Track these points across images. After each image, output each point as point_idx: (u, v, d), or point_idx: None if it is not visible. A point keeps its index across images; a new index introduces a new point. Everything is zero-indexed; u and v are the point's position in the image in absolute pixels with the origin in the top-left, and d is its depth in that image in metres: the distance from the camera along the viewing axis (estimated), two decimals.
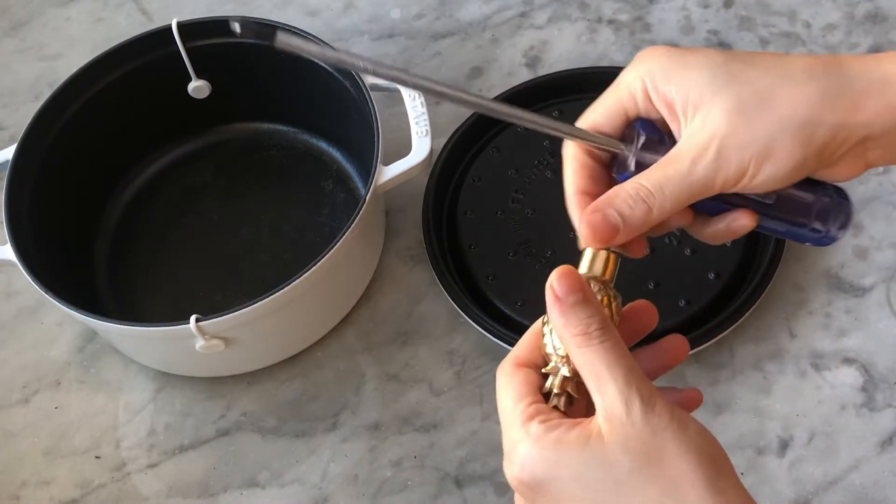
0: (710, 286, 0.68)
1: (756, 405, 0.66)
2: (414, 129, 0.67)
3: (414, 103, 0.68)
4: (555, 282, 0.40)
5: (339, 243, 0.62)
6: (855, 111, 0.39)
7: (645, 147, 0.42)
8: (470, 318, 0.68)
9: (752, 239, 0.70)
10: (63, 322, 0.73)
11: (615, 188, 0.42)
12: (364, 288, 0.72)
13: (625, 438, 0.38)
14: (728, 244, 0.69)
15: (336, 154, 0.78)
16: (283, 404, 0.69)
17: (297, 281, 0.61)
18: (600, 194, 0.42)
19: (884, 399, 0.65)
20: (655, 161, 0.41)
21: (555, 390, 0.41)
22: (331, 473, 0.66)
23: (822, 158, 0.40)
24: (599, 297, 0.41)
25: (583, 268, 0.43)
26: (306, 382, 0.70)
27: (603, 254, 0.43)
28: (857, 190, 0.73)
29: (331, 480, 0.65)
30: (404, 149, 0.66)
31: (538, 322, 0.43)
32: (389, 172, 0.66)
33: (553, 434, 0.39)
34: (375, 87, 0.69)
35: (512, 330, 0.67)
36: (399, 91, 0.69)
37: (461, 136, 0.75)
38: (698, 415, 0.66)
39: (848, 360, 0.67)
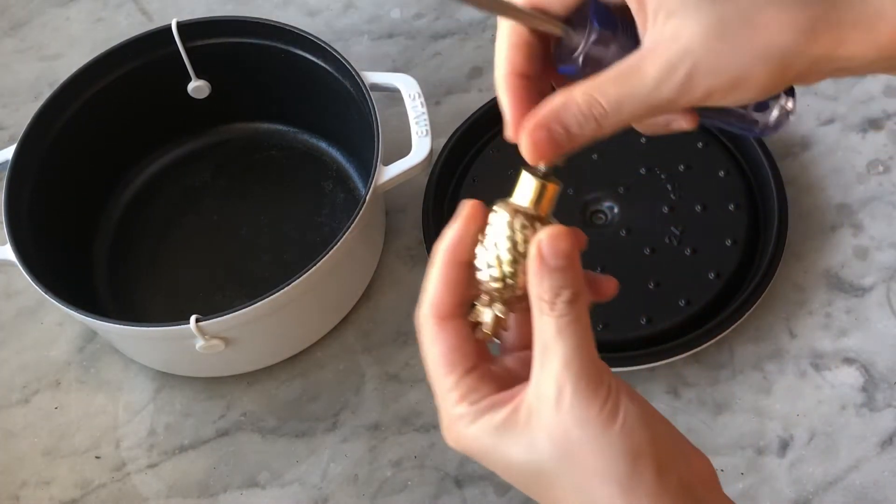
0: (710, 286, 0.68)
1: (756, 405, 0.66)
2: (414, 129, 0.67)
3: (414, 103, 0.68)
4: (545, 242, 0.37)
5: (339, 243, 0.62)
6: (839, 45, 0.36)
7: (598, 42, 0.37)
8: None
9: (752, 239, 0.70)
10: (63, 322, 0.73)
11: (563, 99, 0.37)
12: (364, 288, 0.72)
13: (550, 425, 0.37)
14: (729, 244, 0.69)
15: (336, 154, 0.78)
16: (283, 404, 0.69)
17: (297, 281, 0.61)
18: (536, 76, 0.39)
19: (884, 399, 0.65)
20: (604, 59, 0.37)
21: (484, 329, 0.40)
22: (331, 473, 0.66)
23: (789, 82, 0.37)
24: (525, 233, 0.39)
25: (516, 196, 0.40)
26: (306, 382, 0.70)
27: (537, 183, 0.39)
28: (857, 190, 0.73)
29: (331, 480, 0.65)
30: (404, 149, 0.66)
31: (453, 247, 0.39)
32: (389, 172, 0.65)
33: (483, 420, 0.38)
34: (375, 87, 0.69)
35: None
36: (399, 91, 0.69)
37: (461, 136, 0.75)
38: (700, 415, 0.66)
39: (848, 360, 0.67)
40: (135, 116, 0.76)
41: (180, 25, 0.72)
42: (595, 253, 0.70)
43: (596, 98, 0.36)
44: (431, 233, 0.71)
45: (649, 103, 0.36)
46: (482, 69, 0.83)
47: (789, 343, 0.68)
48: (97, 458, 0.68)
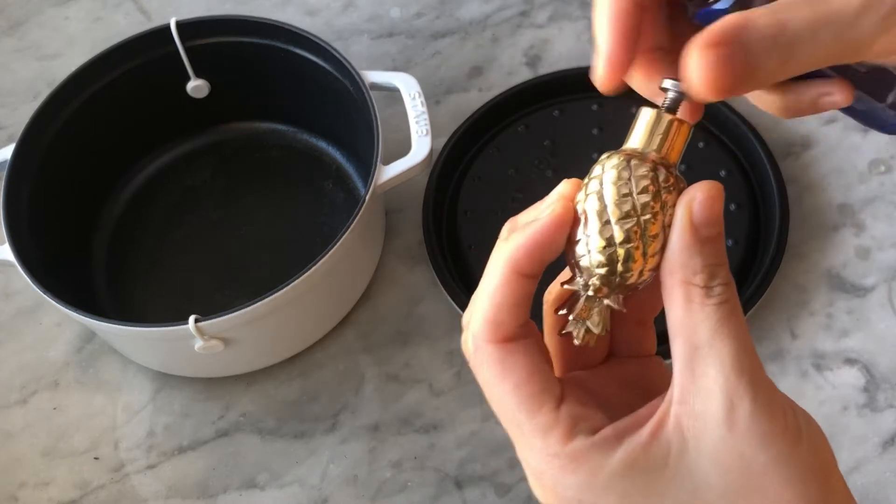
0: None
1: None
2: (414, 128, 0.67)
3: (414, 103, 0.68)
4: (698, 201, 0.29)
5: (338, 243, 0.62)
6: None
7: None
8: None
9: (753, 239, 0.70)
10: (61, 322, 0.73)
11: (740, 20, 0.28)
12: (364, 288, 0.72)
13: (719, 450, 0.29)
14: (730, 244, 0.69)
15: (336, 154, 0.77)
16: (283, 405, 0.69)
17: (297, 281, 0.61)
18: (652, 12, 0.31)
19: (885, 399, 0.65)
20: None
21: (592, 327, 0.30)
22: (330, 474, 0.65)
23: None
24: (653, 196, 0.29)
25: (636, 139, 0.31)
26: (306, 383, 0.69)
27: (668, 120, 0.30)
28: (859, 189, 0.73)
29: (330, 481, 0.65)
30: (404, 148, 0.66)
31: (527, 253, 0.30)
32: (389, 172, 0.65)
33: (616, 455, 0.29)
34: (375, 87, 0.69)
35: None
36: (399, 90, 0.69)
37: (461, 135, 0.75)
38: None
39: (849, 361, 0.67)
40: (134, 116, 0.76)
41: (179, 25, 0.72)
42: None
43: (783, 21, 0.28)
44: (431, 233, 0.71)
45: (846, 38, 0.28)
46: (482, 69, 0.82)
47: (790, 343, 0.67)
48: (96, 458, 0.68)
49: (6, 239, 0.65)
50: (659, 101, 0.32)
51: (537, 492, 0.31)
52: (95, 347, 0.72)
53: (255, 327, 0.63)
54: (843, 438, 0.64)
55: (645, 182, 0.29)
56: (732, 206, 0.70)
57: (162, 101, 0.76)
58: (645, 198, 0.29)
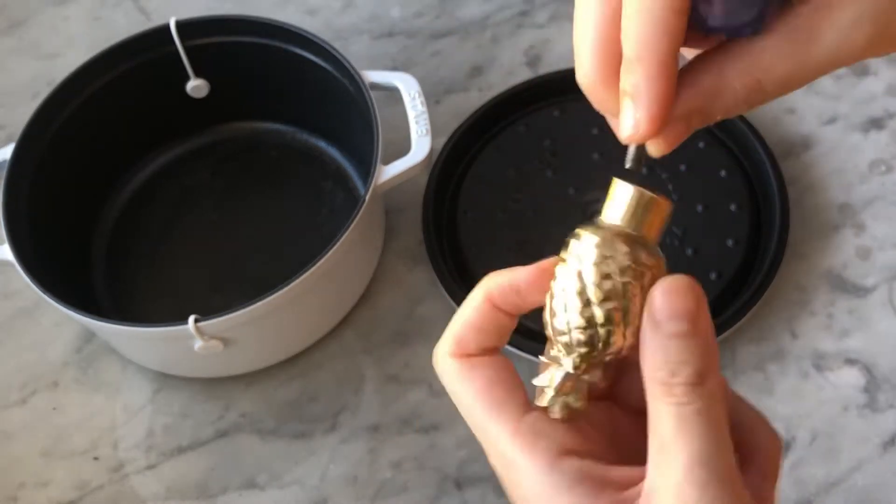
0: (711, 286, 0.67)
1: (758, 406, 0.65)
2: (414, 128, 0.67)
3: (414, 102, 0.68)
4: (659, 295, 0.28)
5: (338, 243, 0.62)
6: None
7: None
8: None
9: (754, 239, 0.70)
10: (61, 323, 0.73)
11: (715, 85, 0.29)
12: (364, 288, 0.72)
13: None
14: (730, 244, 0.69)
15: (335, 154, 0.77)
16: (283, 405, 0.68)
17: (297, 281, 0.61)
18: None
19: (886, 400, 0.65)
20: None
21: (557, 406, 0.30)
22: (330, 475, 0.65)
23: None
24: (633, 277, 0.29)
25: (614, 215, 0.29)
26: (305, 383, 0.69)
27: (647, 198, 0.29)
28: (859, 189, 0.73)
29: (330, 482, 0.65)
30: (404, 148, 0.66)
31: (500, 287, 0.31)
32: (389, 172, 0.65)
33: (582, 491, 0.28)
34: (375, 87, 0.69)
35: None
36: (399, 90, 0.69)
37: (461, 135, 0.75)
38: None
39: (850, 361, 0.66)
40: (133, 116, 0.75)
41: (179, 24, 0.72)
42: None
43: (759, 80, 0.28)
44: (431, 233, 0.71)
45: (821, 72, 0.28)
46: (482, 68, 0.82)
47: (791, 344, 0.67)
48: (95, 459, 0.67)
49: (6, 239, 0.64)
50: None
51: (508, 494, 0.31)
52: (95, 348, 0.72)
53: (255, 327, 0.63)
54: (843, 439, 0.64)
55: (626, 262, 0.29)
56: (733, 207, 0.70)
57: (161, 101, 0.76)
58: (626, 279, 0.29)
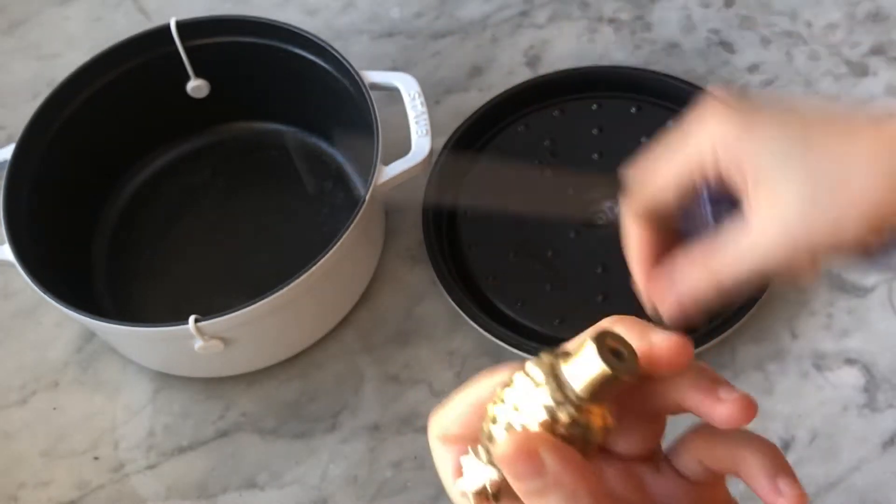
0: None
1: (758, 405, 0.65)
2: (414, 128, 0.67)
3: (414, 103, 0.68)
4: (506, 459, 0.30)
5: (338, 243, 0.62)
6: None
7: (712, 223, 0.41)
8: (470, 318, 0.67)
9: None
10: (61, 322, 0.73)
11: (689, 284, 0.41)
12: (364, 288, 0.72)
13: None
14: None
15: (335, 154, 0.77)
16: (283, 405, 0.69)
17: (297, 281, 0.61)
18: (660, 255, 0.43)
19: (885, 399, 0.65)
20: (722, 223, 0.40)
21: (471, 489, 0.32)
22: (330, 474, 0.65)
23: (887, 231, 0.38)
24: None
25: (569, 369, 0.31)
26: (306, 383, 0.69)
27: (603, 373, 0.30)
28: None
29: (330, 481, 0.65)
30: (404, 148, 0.66)
31: (477, 390, 0.34)
32: (389, 172, 0.65)
33: None
34: (375, 87, 0.69)
35: (512, 330, 0.66)
36: (399, 90, 0.69)
37: (461, 136, 0.75)
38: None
39: (850, 361, 0.67)
40: (134, 116, 0.76)
41: (179, 24, 0.72)
42: (595, 253, 0.70)
43: (716, 276, 0.40)
44: (431, 233, 0.71)
45: (765, 269, 0.39)
46: (482, 69, 0.82)
47: (791, 343, 0.67)
48: (95, 458, 0.67)
49: (6, 239, 0.65)
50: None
51: None
52: (95, 347, 0.72)
53: (255, 327, 0.63)
54: (843, 438, 0.64)
55: (544, 416, 0.31)
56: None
57: (162, 101, 0.76)
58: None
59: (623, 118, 0.75)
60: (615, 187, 0.72)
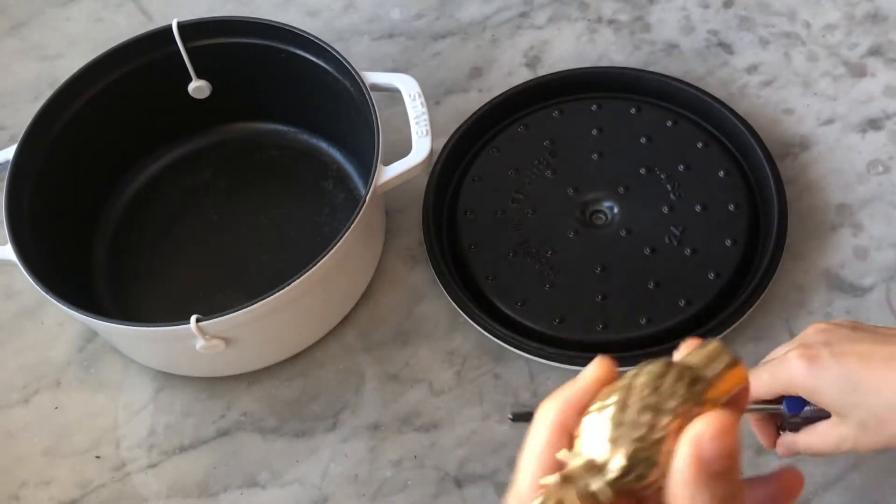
0: (710, 286, 0.68)
1: None
2: (414, 129, 0.67)
3: (414, 103, 0.68)
4: (708, 439, 0.29)
5: (338, 244, 0.62)
6: None
7: (794, 419, 0.55)
8: (470, 317, 0.68)
9: (752, 239, 0.70)
10: (63, 322, 0.73)
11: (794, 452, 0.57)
12: (364, 288, 0.72)
13: None
14: (729, 244, 0.69)
15: (336, 154, 0.78)
16: (284, 404, 0.69)
17: (297, 281, 0.61)
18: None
19: None
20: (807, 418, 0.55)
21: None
22: (331, 473, 0.66)
23: None
24: (683, 403, 0.29)
25: (682, 355, 0.30)
26: (306, 382, 0.70)
27: (726, 357, 0.30)
28: (857, 190, 0.73)
29: (331, 480, 0.65)
30: (404, 149, 0.66)
31: (595, 373, 0.32)
32: (389, 172, 0.65)
33: None
34: (376, 87, 0.69)
35: (512, 329, 0.67)
36: (399, 91, 0.69)
37: (461, 136, 0.75)
38: None
39: None
40: (135, 116, 0.76)
41: (181, 25, 0.72)
42: (595, 253, 0.70)
43: (809, 451, 0.55)
44: (431, 233, 0.71)
45: (835, 453, 0.54)
46: (482, 69, 0.83)
47: None
48: (97, 457, 0.68)
49: (8, 239, 0.65)
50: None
51: None
52: (97, 347, 0.72)
53: (256, 327, 0.63)
54: None
55: (684, 399, 0.29)
56: (731, 207, 0.71)
57: (163, 102, 0.76)
58: (673, 410, 0.29)
59: (622, 118, 0.76)
60: (615, 187, 0.72)
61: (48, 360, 0.72)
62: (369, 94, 0.68)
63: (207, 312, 0.61)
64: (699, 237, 0.70)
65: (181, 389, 0.70)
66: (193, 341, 0.62)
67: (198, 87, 0.76)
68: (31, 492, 0.67)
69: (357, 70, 0.69)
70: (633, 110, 0.76)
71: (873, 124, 0.76)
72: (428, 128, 0.67)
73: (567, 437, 0.31)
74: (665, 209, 0.71)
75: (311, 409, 0.68)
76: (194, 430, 0.68)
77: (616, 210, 0.72)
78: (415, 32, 0.85)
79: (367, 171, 0.66)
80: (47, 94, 0.72)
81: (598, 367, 0.32)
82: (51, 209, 0.70)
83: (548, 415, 0.32)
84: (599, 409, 0.30)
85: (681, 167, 0.72)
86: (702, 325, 0.66)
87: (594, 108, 0.76)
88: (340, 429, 0.67)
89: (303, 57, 0.72)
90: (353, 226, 0.63)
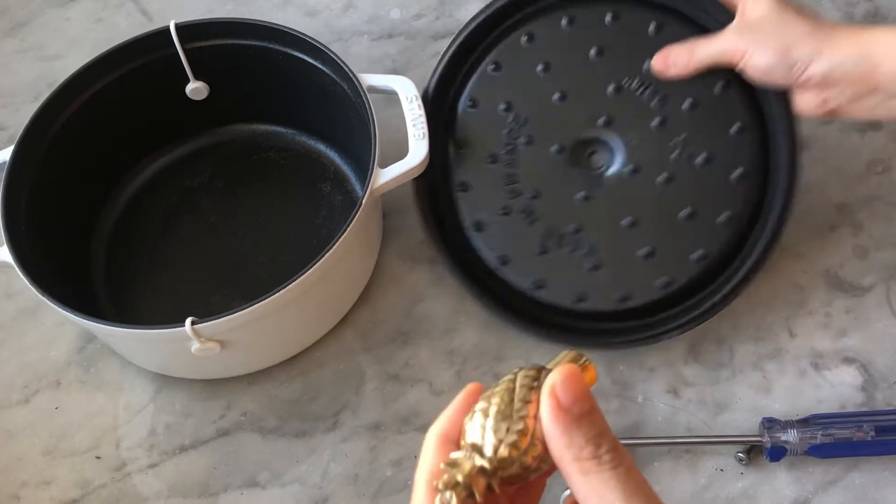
0: (721, 231, 0.66)
1: (756, 405, 0.66)
2: (411, 131, 0.67)
3: (411, 106, 0.68)
4: (559, 385, 0.33)
5: (335, 245, 0.62)
6: (820, 55, 0.58)
7: None
8: (475, 297, 0.68)
9: (751, 223, 0.67)
10: (63, 322, 0.73)
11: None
12: (362, 289, 0.72)
13: None
14: (724, 219, 0.66)
15: (333, 156, 0.78)
16: (284, 404, 0.69)
17: (294, 283, 0.61)
18: None
19: (883, 398, 0.65)
20: None
21: (444, 488, 0.34)
22: (331, 473, 0.66)
23: (791, 75, 0.59)
24: (529, 390, 0.35)
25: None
26: (306, 382, 0.70)
27: (572, 354, 0.37)
28: (856, 189, 0.73)
29: (331, 480, 0.65)
30: (402, 151, 0.66)
31: (463, 395, 0.38)
32: (386, 175, 0.65)
33: None
34: (373, 90, 0.69)
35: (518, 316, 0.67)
36: (396, 93, 0.69)
37: (463, 41, 0.70)
38: (700, 415, 0.66)
39: (848, 360, 0.67)
40: (133, 117, 0.76)
41: (179, 27, 0.72)
42: (620, 210, 0.67)
43: (705, 58, 0.64)
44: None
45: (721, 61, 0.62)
46: None
47: (789, 342, 0.68)
48: (97, 458, 0.68)
49: (5, 240, 0.65)
50: None
51: None
52: (97, 347, 0.72)
53: (253, 329, 0.63)
54: None
55: (525, 390, 0.34)
56: (738, 172, 0.66)
57: (161, 103, 0.76)
58: (523, 397, 0.34)
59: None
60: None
61: (48, 360, 0.72)
62: (366, 97, 0.68)
63: (205, 314, 0.61)
64: (697, 202, 0.66)
65: (181, 389, 0.70)
66: (189, 344, 0.62)
67: (195, 88, 0.76)
68: (32, 492, 0.67)
69: (354, 72, 0.69)
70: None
71: (873, 124, 0.76)
72: (425, 130, 0.67)
73: (453, 446, 0.35)
74: (667, 168, 0.67)
75: (312, 409, 0.68)
76: (194, 430, 0.68)
77: (619, 157, 0.68)
78: (414, 32, 0.85)
79: (365, 173, 0.66)
80: (47, 94, 0.72)
81: (464, 390, 0.37)
82: (48, 210, 0.70)
83: (431, 434, 0.36)
84: (472, 414, 0.35)
85: (687, 104, 0.67)
86: (718, 277, 0.66)
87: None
88: (340, 429, 0.67)
89: (300, 59, 0.72)
90: (349, 228, 0.63)
